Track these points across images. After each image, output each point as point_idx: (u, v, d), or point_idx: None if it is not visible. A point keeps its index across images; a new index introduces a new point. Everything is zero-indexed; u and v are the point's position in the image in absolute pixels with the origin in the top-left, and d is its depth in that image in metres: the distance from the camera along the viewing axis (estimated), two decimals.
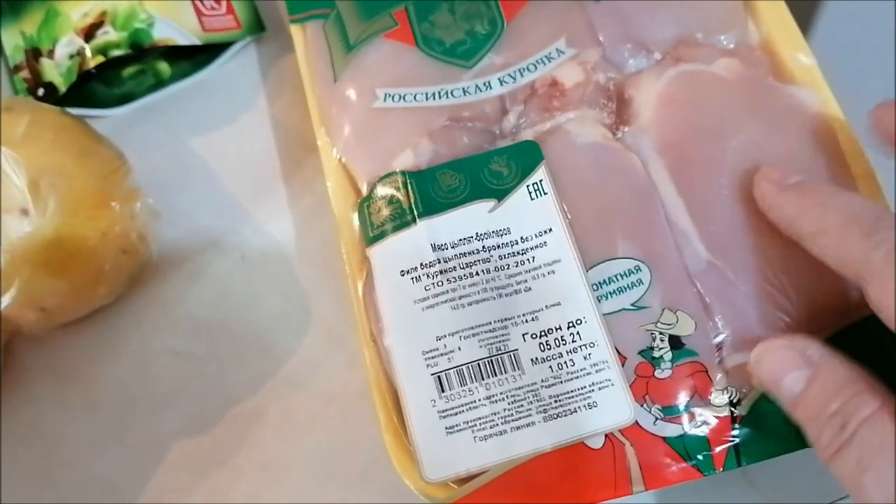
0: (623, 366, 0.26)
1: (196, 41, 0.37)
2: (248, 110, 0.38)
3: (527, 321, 0.27)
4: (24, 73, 0.37)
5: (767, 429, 0.25)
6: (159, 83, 0.38)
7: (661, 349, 0.26)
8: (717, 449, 0.25)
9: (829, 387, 0.22)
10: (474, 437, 0.26)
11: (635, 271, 0.27)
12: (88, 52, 0.35)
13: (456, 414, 0.26)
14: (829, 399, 0.22)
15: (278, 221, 0.35)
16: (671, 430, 0.25)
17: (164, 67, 0.38)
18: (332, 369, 0.33)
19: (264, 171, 0.36)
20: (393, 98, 0.30)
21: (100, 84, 0.38)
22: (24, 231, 0.29)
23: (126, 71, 0.38)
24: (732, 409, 0.26)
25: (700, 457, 0.25)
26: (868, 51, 0.43)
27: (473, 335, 0.27)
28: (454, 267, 0.28)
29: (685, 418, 0.26)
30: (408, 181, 0.29)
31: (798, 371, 0.23)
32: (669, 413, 0.26)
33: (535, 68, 0.30)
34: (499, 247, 0.28)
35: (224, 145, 0.37)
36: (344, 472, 0.31)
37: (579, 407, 0.26)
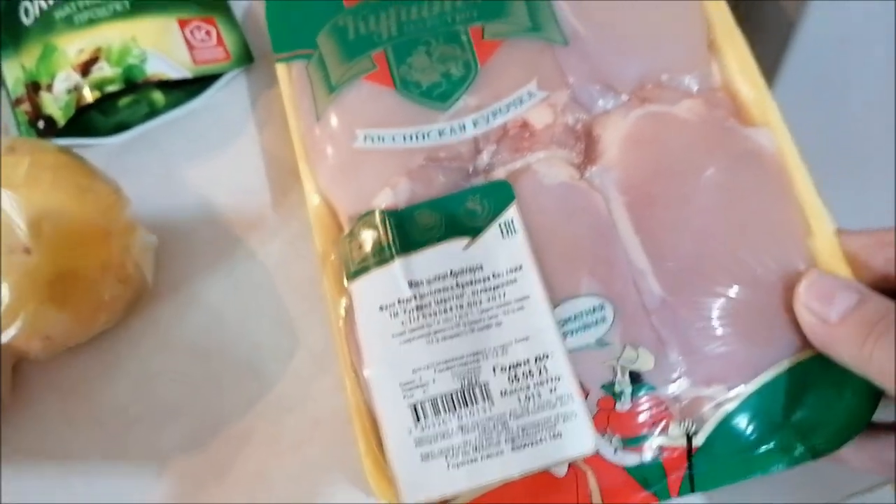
0: (586, 399, 0.28)
1: (187, 74, 0.38)
2: (239, 138, 0.39)
3: (497, 354, 0.29)
4: (25, 106, 0.39)
5: (721, 459, 0.27)
6: (153, 112, 0.39)
7: (622, 383, 0.28)
8: (673, 477, 0.27)
9: (883, 303, 0.26)
10: (448, 465, 0.28)
11: (599, 309, 0.28)
12: (85, 89, 0.37)
13: (431, 443, 0.28)
14: (884, 308, 0.26)
15: (268, 248, 0.37)
16: (630, 459, 0.27)
17: (157, 97, 0.40)
18: (319, 392, 0.35)
19: (254, 198, 0.38)
20: (372, 139, 0.32)
21: (96, 113, 0.39)
22: (28, 268, 0.31)
23: (122, 101, 0.39)
24: (688, 439, 0.27)
25: (657, 484, 0.27)
26: (833, 92, 0.44)
27: (447, 368, 0.29)
28: (430, 303, 0.29)
29: (644, 448, 0.27)
30: (386, 219, 0.30)
31: (852, 292, 0.26)
32: (629, 444, 0.27)
33: (508, 110, 0.31)
34: (472, 283, 0.29)
35: (216, 172, 0.39)
36: (331, 490, 0.33)
37: (545, 437, 0.28)
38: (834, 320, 0.26)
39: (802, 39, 0.38)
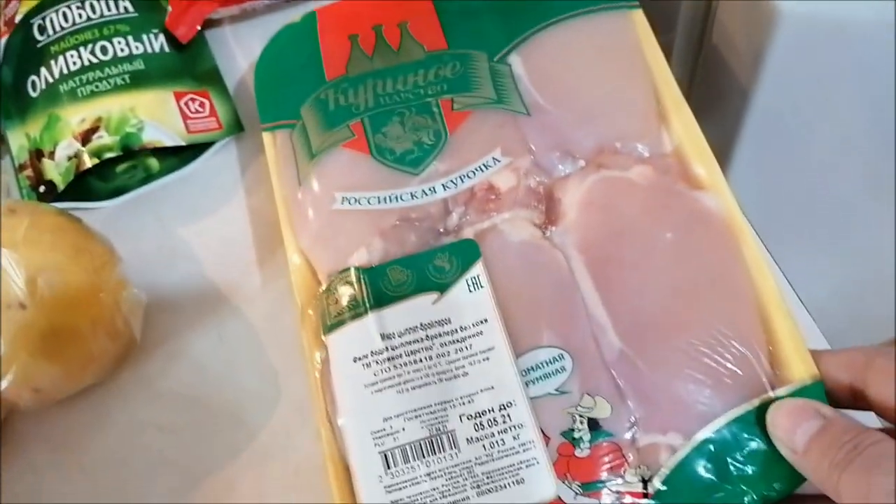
0: (547, 445, 0.29)
1: (181, 142, 0.41)
2: (229, 201, 0.42)
3: (463, 403, 0.30)
4: (28, 172, 0.41)
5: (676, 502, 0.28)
6: (149, 177, 0.42)
7: (580, 430, 0.29)
8: None
9: (843, 427, 0.26)
10: None
11: (559, 359, 0.30)
12: (85, 156, 0.40)
13: (400, 489, 0.29)
14: (844, 433, 0.26)
15: (253, 304, 0.39)
16: None
17: (153, 163, 0.42)
18: (300, 442, 0.36)
19: (242, 257, 0.40)
20: (349, 201, 0.34)
21: (95, 179, 0.42)
22: (22, 322, 0.33)
23: (119, 167, 0.42)
24: (644, 485, 0.29)
25: None
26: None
27: (416, 416, 0.30)
28: (400, 354, 0.31)
29: (602, 493, 0.29)
30: (361, 276, 0.33)
31: (814, 420, 0.27)
32: (588, 489, 0.29)
33: (475, 174, 0.34)
34: (440, 335, 0.31)
35: (206, 233, 0.41)
36: None
37: (508, 483, 0.29)
38: (800, 450, 0.27)
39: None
